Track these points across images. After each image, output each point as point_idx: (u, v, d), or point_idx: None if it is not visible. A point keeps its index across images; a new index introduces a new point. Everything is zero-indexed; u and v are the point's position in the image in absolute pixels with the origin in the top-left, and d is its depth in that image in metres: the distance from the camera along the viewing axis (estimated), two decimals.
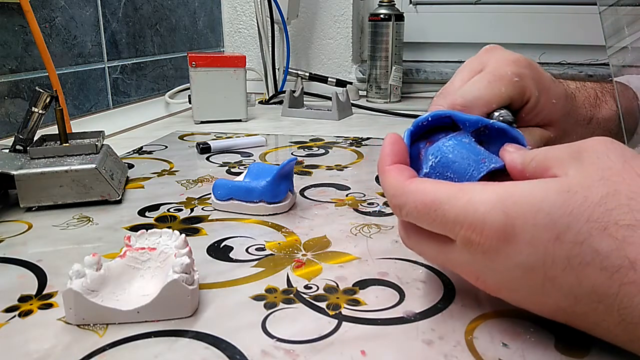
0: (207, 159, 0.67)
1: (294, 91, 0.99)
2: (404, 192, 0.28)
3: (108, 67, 0.86)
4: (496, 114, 0.35)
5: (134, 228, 0.44)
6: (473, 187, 0.26)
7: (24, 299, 0.33)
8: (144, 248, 0.34)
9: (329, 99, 0.95)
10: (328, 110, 0.95)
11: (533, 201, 0.24)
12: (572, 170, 0.25)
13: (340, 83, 1.14)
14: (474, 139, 0.31)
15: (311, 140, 0.77)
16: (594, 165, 0.25)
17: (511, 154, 0.29)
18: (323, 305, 0.32)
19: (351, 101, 1.01)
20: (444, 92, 0.37)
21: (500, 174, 0.29)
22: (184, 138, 0.79)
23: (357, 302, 0.32)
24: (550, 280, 0.24)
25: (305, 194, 0.53)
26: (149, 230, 0.35)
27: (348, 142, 0.76)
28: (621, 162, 0.25)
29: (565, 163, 0.26)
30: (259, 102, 1.11)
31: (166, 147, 0.73)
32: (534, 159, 0.27)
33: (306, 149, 0.72)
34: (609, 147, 0.26)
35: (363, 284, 0.35)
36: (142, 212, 0.48)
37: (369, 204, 0.50)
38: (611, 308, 0.23)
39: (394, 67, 1.10)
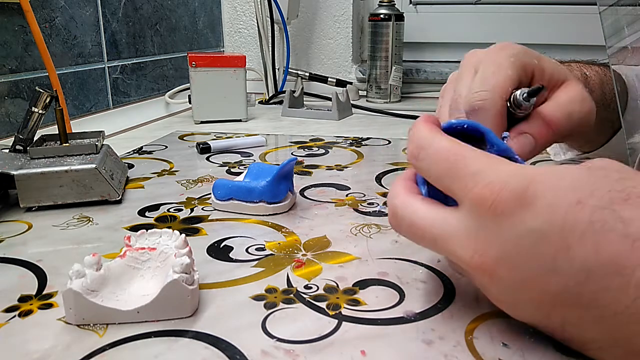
0: (207, 159, 0.67)
1: (294, 91, 0.99)
2: (433, 136, 0.28)
3: (108, 67, 0.86)
4: (517, 93, 0.34)
5: (134, 228, 0.44)
6: (499, 157, 0.26)
7: (24, 299, 0.33)
8: (144, 248, 0.34)
9: (329, 99, 0.95)
10: (328, 110, 0.95)
11: (557, 171, 0.25)
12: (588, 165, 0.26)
13: (340, 83, 1.14)
14: None
15: (311, 140, 0.77)
16: (606, 163, 0.26)
17: None
18: (323, 305, 0.32)
19: (351, 102, 1.01)
20: (457, 99, 0.36)
21: None
22: (184, 138, 0.79)
23: (357, 302, 0.32)
24: (564, 250, 0.23)
25: (305, 194, 0.53)
26: (149, 230, 0.35)
27: (348, 142, 0.76)
28: (628, 169, 0.26)
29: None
30: (259, 102, 1.11)
31: (166, 147, 0.73)
32: None
33: (306, 149, 0.72)
34: (614, 162, 0.26)
35: (363, 284, 0.35)
36: (142, 212, 0.48)
37: (369, 204, 0.50)
38: (628, 282, 0.22)
39: (394, 67, 1.10)
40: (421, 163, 0.28)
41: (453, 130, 0.31)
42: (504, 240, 0.25)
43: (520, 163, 0.30)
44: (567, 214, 0.23)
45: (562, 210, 0.23)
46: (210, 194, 0.50)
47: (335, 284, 0.35)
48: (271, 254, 0.39)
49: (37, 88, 0.53)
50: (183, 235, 0.34)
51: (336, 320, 0.30)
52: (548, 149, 0.58)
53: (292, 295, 0.33)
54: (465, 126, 0.31)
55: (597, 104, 0.43)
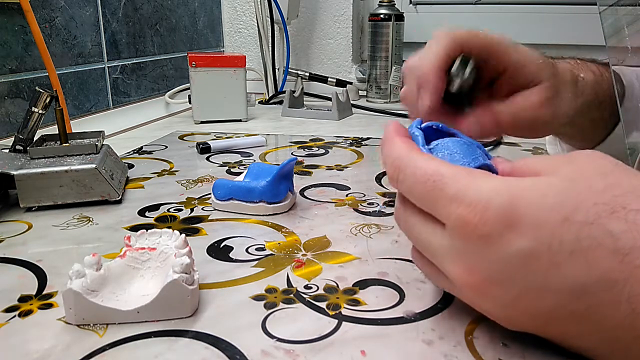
0: (207, 159, 0.67)
1: (294, 91, 0.99)
2: (408, 157, 0.27)
3: (108, 67, 0.86)
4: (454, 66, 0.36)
5: (134, 228, 0.44)
6: (479, 172, 0.26)
7: (24, 299, 0.33)
8: (144, 248, 0.34)
9: (329, 99, 0.95)
10: (328, 110, 0.95)
11: (539, 186, 0.24)
12: (566, 169, 0.25)
13: (340, 83, 1.14)
14: None
15: (311, 140, 0.77)
16: (589, 164, 0.25)
17: (502, 163, 0.29)
18: (323, 305, 0.32)
19: (351, 101, 1.01)
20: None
21: None
22: (184, 138, 0.79)
23: (357, 302, 0.32)
24: (555, 267, 0.23)
25: (305, 194, 0.53)
26: (149, 230, 0.35)
27: (348, 142, 0.76)
28: (613, 164, 0.25)
29: (557, 166, 0.26)
30: (259, 102, 1.11)
31: (166, 147, 0.73)
32: (525, 164, 0.27)
33: (306, 149, 0.72)
34: (600, 155, 0.26)
35: (363, 284, 0.35)
36: (142, 212, 0.48)
37: (369, 204, 0.50)
38: (619, 297, 0.22)
39: (394, 67, 1.10)
40: (401, 186, 0.28)
41: (428, 130, 0.32)
42: (492, 261, 0.24)
43: (487, 158, 0.30)
44: (554, 233, 0.23)
45: (548, 229, 0.23)
46: (210, 194, 0.50)
47: (335, 284, 0.35)
48: (271, 254, 0.39)
49: (37, 88, 0.53)
50: (183, 235, 0.34)
51: (336, 320, 0.30)
52: (546, 144, 0.58)
53: (292, 295, 0.33)
54: (440, 126, 0.32)
55: (588, 105, 0.44)
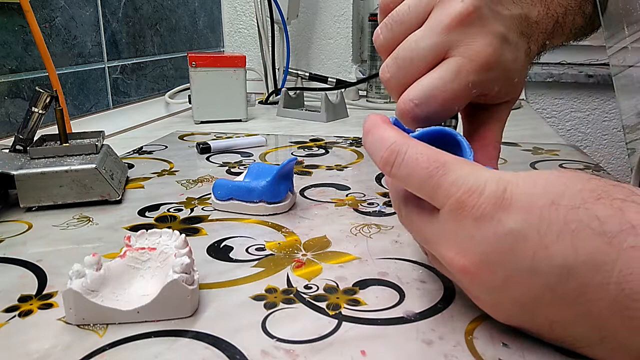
0: (207, 159, 0.67)
1: (290, 89, 0.99)
2: (407, 142, 0.27)
3: (108, 67, 0.86)
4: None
5: (134, 228, 0.44)
6: (477, 165, 0.27)
7: (24, 299, 0.33)
8: (144, 248, 0.34)
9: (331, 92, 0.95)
10: (317, 111, 0.94)
11: (530, 176, 0.25)
12: (556, 169, 0.27)
13: (341, 83, 1.14)
14: None
15: (311, 140, 0.77)
16: (576, 171, 0.27)
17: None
18: (323, 305, 0.32)
19: (350, 101, 1.00)
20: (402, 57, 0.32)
21: None
22: (184, 138, 0.79)
23: (357, 302, 0.32)
24: (543, 248, 0.24)
25: (305, 194, 0.53)
26: (149, 230, 0.35)
27: (348, 142, 0.76)
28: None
29: (548, 169, 0.27)
30: (259, 102, 1.11)
31: (166, 147, 0.73)
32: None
33: (306, 149, 0.72)
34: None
35: (363, 284, 0.35)
36: (142, 212, 0.48)
37: (369, 204, 0.50)
38: (608, 278, 0.22)
39: None
40: (399, 170, 0.27)
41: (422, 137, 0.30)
42: (483, 242, 0.25)
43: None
44: (542, 215, 0.24)
45: (536, 212, 0.24)
46: (210, 194, 0.50)
47: (335, 284, 0.35)
48: (271, 254, 0.39)
49: (37, 88, 0.53)
50: (183, 235, 0.34)
51: (336, 320, 0.30)
52: None
53: (292, 295, 0.33)
54: (451, 133, 0.30)
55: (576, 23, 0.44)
